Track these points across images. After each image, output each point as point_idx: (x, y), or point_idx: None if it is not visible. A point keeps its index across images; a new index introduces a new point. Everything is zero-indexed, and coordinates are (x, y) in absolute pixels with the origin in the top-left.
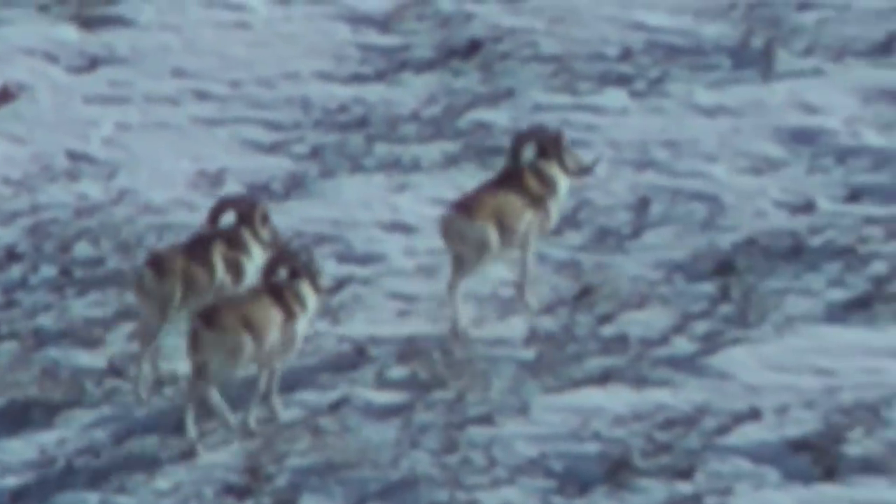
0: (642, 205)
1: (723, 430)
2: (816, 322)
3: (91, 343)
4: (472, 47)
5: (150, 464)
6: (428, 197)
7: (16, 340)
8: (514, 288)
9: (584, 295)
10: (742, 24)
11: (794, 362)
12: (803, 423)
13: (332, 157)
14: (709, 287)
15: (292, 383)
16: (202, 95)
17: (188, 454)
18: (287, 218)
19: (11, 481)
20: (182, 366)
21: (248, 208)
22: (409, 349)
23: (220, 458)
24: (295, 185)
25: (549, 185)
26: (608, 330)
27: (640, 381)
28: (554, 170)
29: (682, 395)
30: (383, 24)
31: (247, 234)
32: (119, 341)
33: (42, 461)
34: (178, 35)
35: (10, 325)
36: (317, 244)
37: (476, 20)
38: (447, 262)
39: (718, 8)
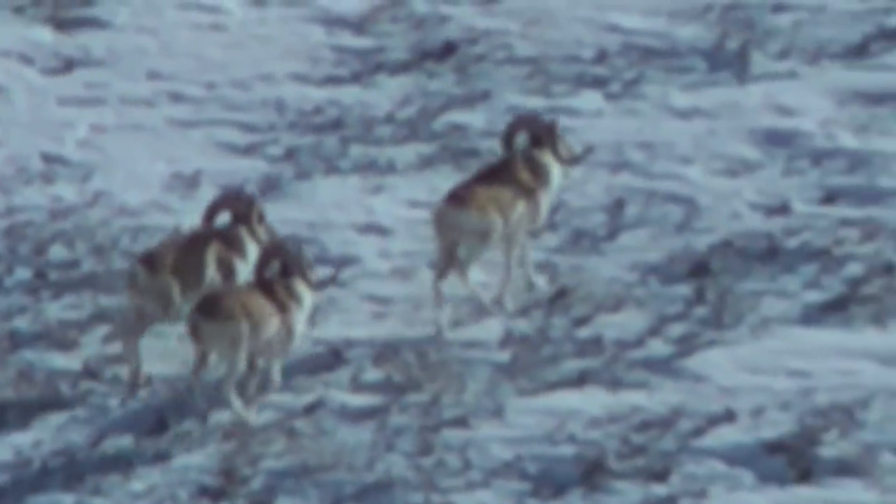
0: (617, 207)
1: (698, 432)
2: (792, 324)
3: (66, 345)
4: (447, 49)
5: (126, 466)
6: (403, 199)
7: None
8: (500, 282)
9: (560, 297)
10: (717, 27)
11: (770, 364)
12: (778, 425)
13: (307, 158)
14: (684, 289)
15: (267, 386)
16: (177, 97)
17: (166, 456)
18: None
19: None
20: (156, 368)
21: (245, 207)
22: (384, 352)
23: (196, 461)
24: (270, 187)
25: (541, 174)
26: (583, 332)
27: (616, 384)
28: (547, 158)
29: (657, 398)
30: (358, 26)
31: (243, 233)
32: (94, 343)
33: (17, 463)
34: (153, 37)
35: None
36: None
37: (451, 22)
38: (422, 264)
39: (693, 10)
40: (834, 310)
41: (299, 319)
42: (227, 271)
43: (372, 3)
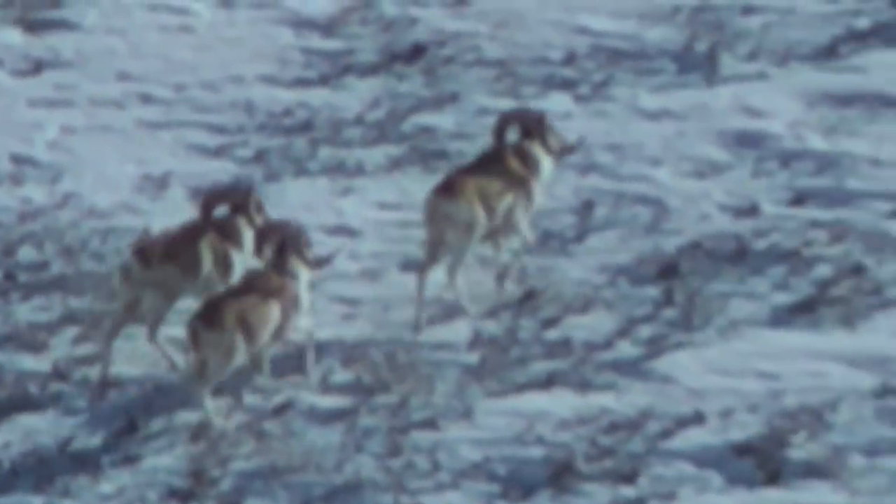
0: (586, 208)
1: (666, 434)
2: (760, 326)
3: (35, 347)
4: (416, 51)
5: (95, 467)
6: (372, 201)
7: None
8: (498, 273)
9: (528, 299)
10: (686, 29)
11: (738, 366)
12: (747, 427)
13: (276, 160)
14: (653, 291)
15: (236, 387)
16: (147, 99)
17: (135, 458)
18: None
19: None
20: (125, 369)
21: (242, 197)
22: (353, 353)
23: (165, 462)
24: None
25: (532, 165)
26: (552, 334)
27: (584, 386)
28: (537, 150)
29: (625, 399)
30: (327, 28)
31: (241, 223)
32: (63, 345)
33: None
34: (122, 39)
35: None
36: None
37: (420, 24)
38: (392, 265)
39: (662, 12)
40: (802, 312)
41: (302, 292)
42: (224, 262)
43: (341, 5)
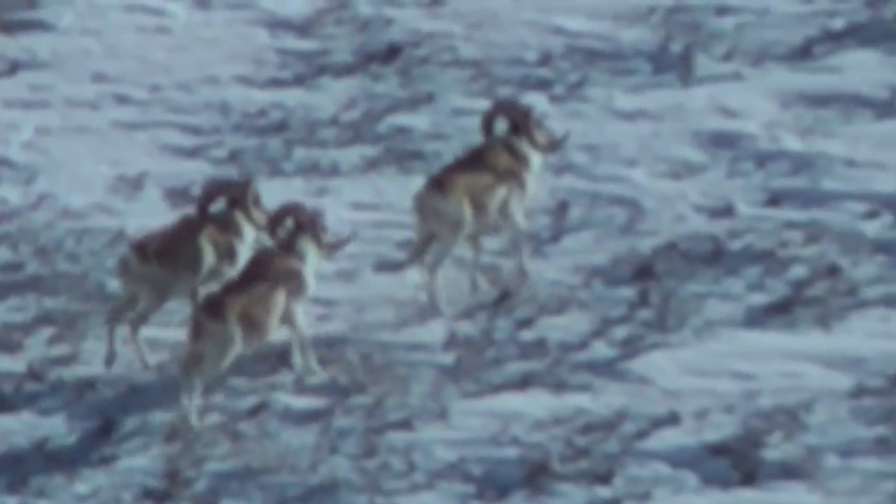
0: (561, 209)
1: (642, 434)
2: (736, 326)
3: (10, 348)
4: (392, 52)
5: (70, 468)
6: (347, 201)
7: None
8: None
9: (504, 299)
10: (661, 29)
11: (714, 367)
12: (722, 428)
13: (251, 161)
14: (628, 291)
15: (211, 387)
16: (122, 100)
17: (110, 459)
18: None
19: None
20: (100, 370)
21: (240, 191)
22: (328, 354)
23: (140, 463)
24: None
25: (521, 160)
26: (527, 335)
27: (560, 386)
28: (525, 145)
29: (601, 400)
30: (302, 28)
31: (239, 217)
32: (38, 346)
33: None
34: (98, 39)
35: None
36: None
37: (395, 25)
38: (367, 266)
39: (637, 13)
40: (778, 312)
41: (308, 275)
42: (227, 254)
43: (316, 6)
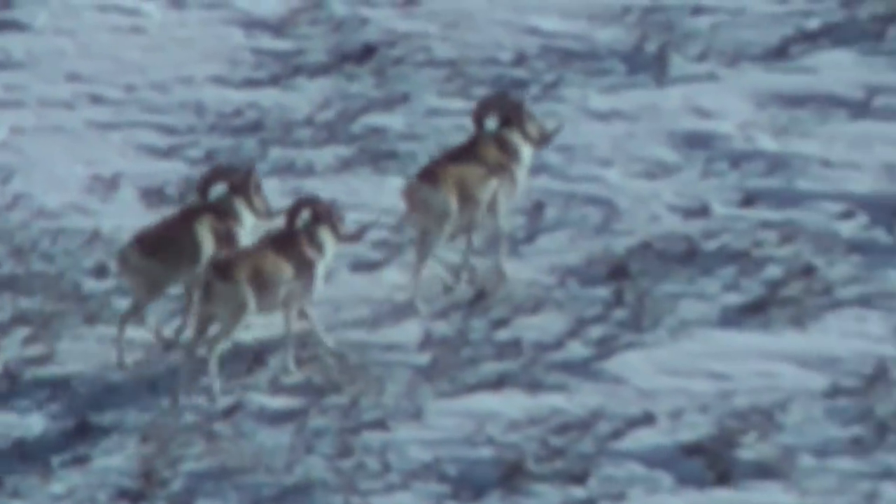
0: (536, 209)
1: (617, 434)
2: (711, 326)
3: None
4: (367, 52)
5: (45, 468)
6: None
7: None
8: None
9: (479, 299)
10: (636, 29)
11: (689, 366)
12: (697, 428)
13: (226, 161)
14: (603, 291)
15: (187, 387)
16: (97, 99)
17: (85, 458)
18: None
19: None
20: (75, 370)
21: (242, 178)
22: (303, 354)
23: (115, 463)
24: (189, 189)
25: (511, 153)
26: (502, 334)
27: (535, 386)
28: (517, 138)
29: (576, 400)
30: (277, 28)
31: (239, 204)
32: (14, 346)
33: None
34: (72, 39)
35: None
36: None
37: (370, 25)
38: (342, 266)
39: (612, 13)
40: (753, 312)
41: (320, 268)
42: (226, 240)
43: (291, 6)
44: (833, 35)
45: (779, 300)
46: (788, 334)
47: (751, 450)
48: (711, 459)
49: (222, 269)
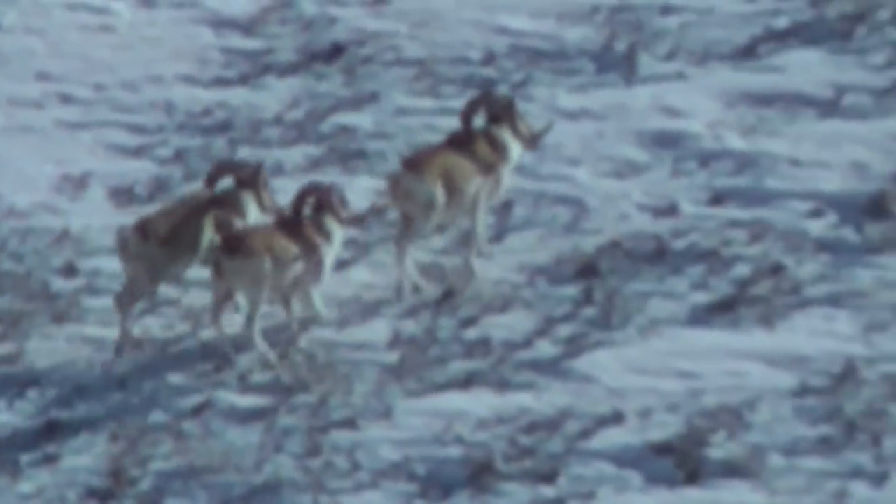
0: (505, 208)
1: (586, 433)
2: (680, 325)
3: None
4: (336, 51)
5: (14, 467)
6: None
7: None
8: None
9: (447, 298)
10: (605, 29)
11: (658, 365)
12: (666, 427)
13: (195, 160)
14: (572, 290)
15: (155, 387)
16: (66, 99)
17: (54, 458)
18: None
19: None
20: (45, 369)
21: (251, 172)
22: (272, 352)
23: (84, 462)
24: (159, 189)
25: (500, 150)
26: (471, 333)
27: (503, 385)
28: (506, 135)
29: (545, 399)
30: (247, 27)
31: (247, 198)
32: None
33: None
34: (42, 38)
35: None
36: None
37: (339, 24)
38: None
39: (581, 12)
40: (721, 311)
41: (328, 254)
42: (224, 227)
43: (260, 5)
44: (801, 34)
45: (747, 299)
46: (757, 333)
47: (720, 449)
48: (680, 458)
49: (232, 245)
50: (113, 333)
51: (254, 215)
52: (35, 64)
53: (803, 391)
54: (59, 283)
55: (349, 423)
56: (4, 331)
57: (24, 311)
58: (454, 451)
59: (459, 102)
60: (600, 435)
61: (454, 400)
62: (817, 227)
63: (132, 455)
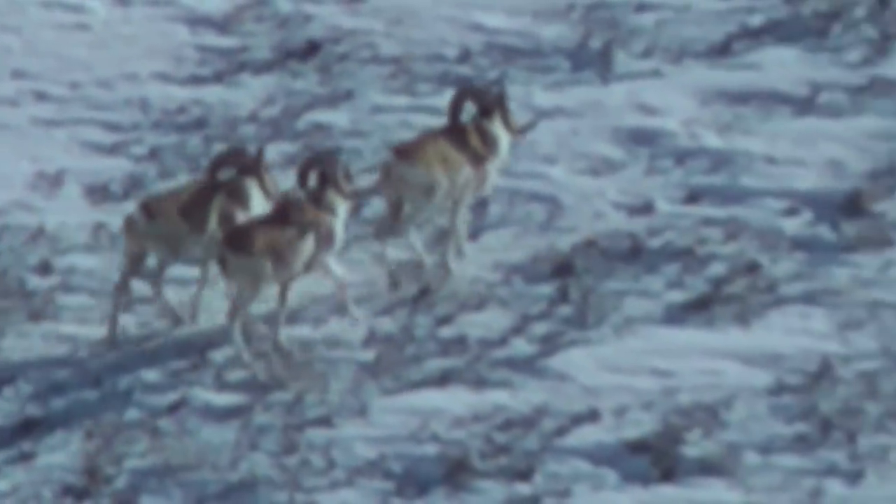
0: (481, 206)
1: (561, 431)
2: (655, 323)
3: None
4: (311, 49)
5: None
6: None
7: None
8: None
9: (423, 296)
10: (580, 26)
11: (633, 364)
12: (641, 425)
13: (170, 158)
14: (547, 288)
15: (130, 384)
16: (41, 96)
17: (30, 455)
18: None
19: None
20: (19, 367)
21: (253, 159)
22: (248, 350)
23: (59, 460)
24: (134, 186)
25: (490, 143)
26: (447, 331)
27: (479, 383)
28: (496, 129)
29: (520, 397)
30: (222, 25)
31: (250, 185)
32: None
33: None
34: (17, 36)
35: None
36: None
37: (314, 21)
38: None
39: (557, 9)
40: (697, 309)
41: (336, 224)
42: (228, 222)
43: (236, 3)
44: (777, 32)
45: (723, 297)
46: (732, 331)
47: (695, 447)
48: (656, 456)
49: (235, 242)
50: (88, 331)
51: (258, 202)
52: (10, 62)
53: (779, 389)
54: (35, 281)
55: (325, 421)
56: None
57: (0, 308)
58: (430, 449)
59: (435, 100)
60: (576, 433)
61: (430, 398)
62: (793, 226)
63: (107, 453)
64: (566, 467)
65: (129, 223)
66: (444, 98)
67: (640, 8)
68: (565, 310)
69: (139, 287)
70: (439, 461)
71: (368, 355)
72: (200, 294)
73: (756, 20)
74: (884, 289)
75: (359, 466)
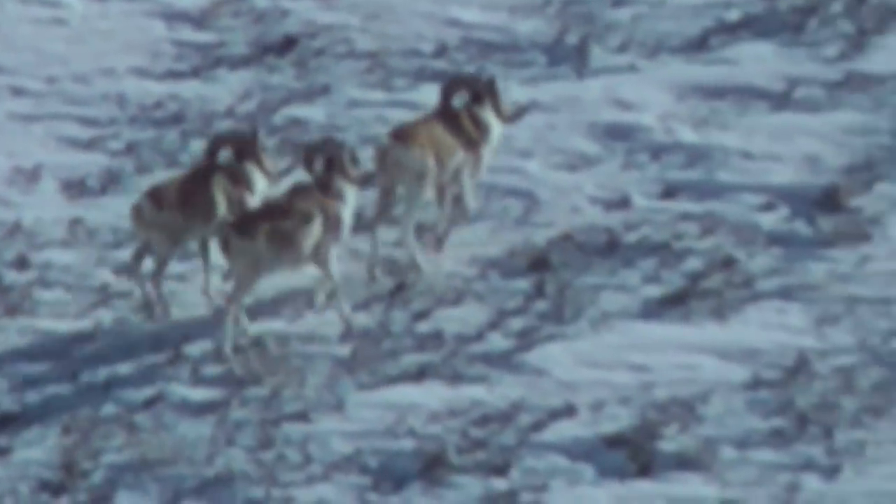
0: (457, 200)
1: (538, 426)
2: (632, 318)
3: None
4: (287, 43)
5: None
6: None
7: None
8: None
9: (400, 291)
10: (556, 21)
11: (610, 358)
12: (618, 420)
13: (147, 153)
14: (524, 283)
15: (108, 379)
16: (18, 91)
17: (6, 451)
18: (103, 213)
19: None
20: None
21: (249, 142)
22: (231, 341)
23: (35, 455)
24: (111, 181)
25: (483, 130)
26: (423, 326)
27: (456, 378)
28: (488, 115)
29: (497, 392)
30: (199, 20)
31: (251, 168)
32: None
33: None
34: None
35: None
36: (130, 240)
37: (291, 16)
38: None
39: (533, 4)
40: (673, 304)
41: (343, 211)
42: (239, 206)
43: None
44: (753, 27)
45: (699, 292)
46: (709, 326)
47: (672, 442)
48: (633, 451)
49: (240, 225)
50: (64, 326)
51: (260, 184)
52: None
53: (755, 384)
54: (12, 276)
55: (301, 416)
56: None
57: None
58: (406, 444)
59: (412, 95)
60: (552, 428)
61: (406, 393)
62: (769, 221)
63: (84, 448)
64: (543, 462)
65: (136, 211)
66: (421, 93)
67: (617, 3)
68: (542, 304)
69: (115, 282)
70: (416, 456)
71: (345, 350)
72: (208, 278)
73: (732, 15)
74: (860, 284)
75: (335, 461)
